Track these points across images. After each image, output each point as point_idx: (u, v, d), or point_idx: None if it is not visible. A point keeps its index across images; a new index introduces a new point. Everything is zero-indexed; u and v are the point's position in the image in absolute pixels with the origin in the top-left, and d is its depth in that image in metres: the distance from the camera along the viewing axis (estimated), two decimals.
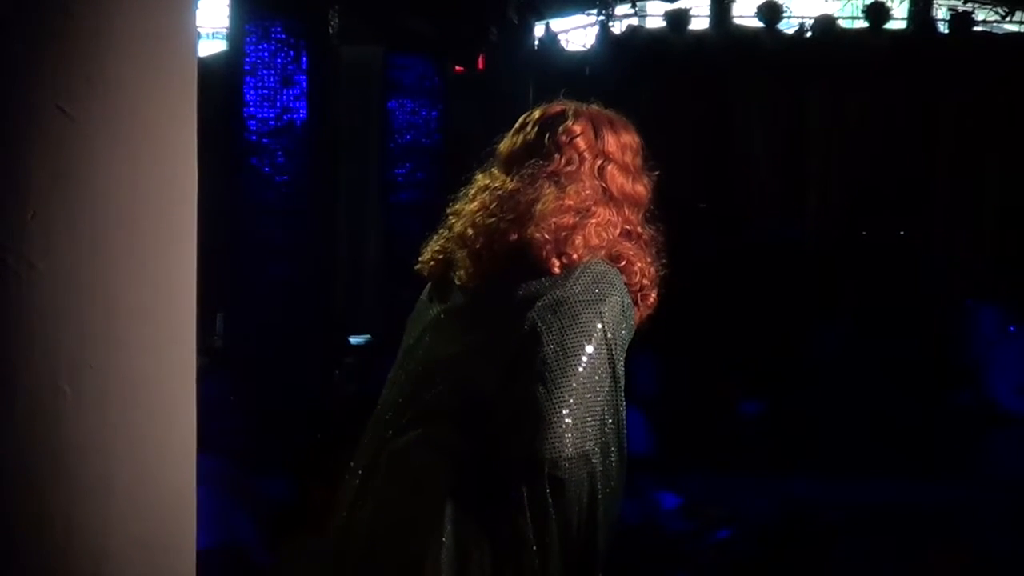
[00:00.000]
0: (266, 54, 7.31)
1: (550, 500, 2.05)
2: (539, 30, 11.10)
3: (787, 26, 10.96)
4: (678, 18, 10.61)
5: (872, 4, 10.49)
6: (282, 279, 7.34)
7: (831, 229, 10.39)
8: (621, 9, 11.71)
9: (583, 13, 11.88)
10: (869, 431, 7.76)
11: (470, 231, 2.24)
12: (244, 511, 4.28)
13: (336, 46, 7.95)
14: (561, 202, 2.19)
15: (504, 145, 2.35)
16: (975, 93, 10.07)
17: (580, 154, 2.27)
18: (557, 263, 2.15)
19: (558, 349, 2.07)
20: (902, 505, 5.84)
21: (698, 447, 7.21)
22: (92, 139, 1.52)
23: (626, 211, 2.28)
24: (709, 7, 10.98)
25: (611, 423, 2.11)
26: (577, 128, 2.29)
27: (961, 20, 10.51)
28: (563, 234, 2.16)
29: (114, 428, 1.56)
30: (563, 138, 2.28)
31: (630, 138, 2.34)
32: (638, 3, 11.67)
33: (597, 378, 2.08)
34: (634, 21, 11.80)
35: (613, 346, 2.11)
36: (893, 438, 7.61)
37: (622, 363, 2.14)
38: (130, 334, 1.56)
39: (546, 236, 2.16)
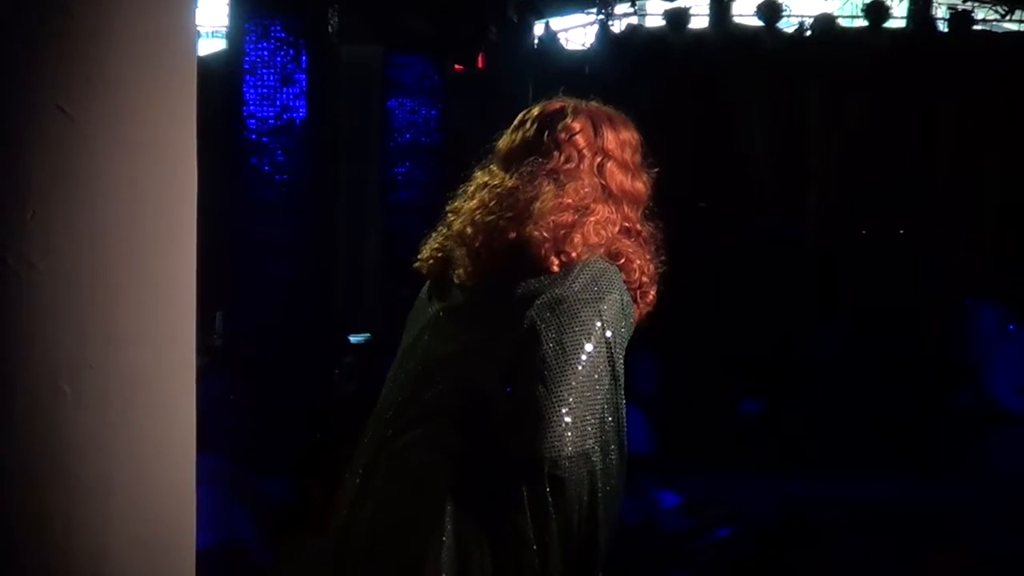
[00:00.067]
0: (266, 53, 7.31)
1: (550, 499, 2.04)
2: (539, 29, 11.11)
3: (787, 25, 10.97)
4: (678, 17, 10.61)
5: (872, 3, 10.49)
6: (282, 278, 7.34)
7: (831, 228, 10.39)
8: (621, 8, 11.72)
9: (583, 12, 11.88)
10: (869, 431, 7.77)
11: (469, 229, 2.24)
12: (244, 511, 4.28)
13: (336, 45, 7.95)
14: (560, 200, 2.19)
15: (503, 142, 2.34)
16: (975, 92, 10.07)
17: (579, 151, 2.27)
18: (556, 261, 2.15)
19: (557, 348, 2.07)
20: (902, 505, 5.84)
21: (698, 446, 7.21)
22: (92, 139, 1.52)
23: (625, 208, 2.27)
24: (709, 6, 10.99)
25: (611, 421, 2.11)
26: (576, 125, 2.29)
27: (961, 19, 10.51)
28: (562, 232, 2.16)
29: (114, 428, 1.56)
30: (562, 135, 2.27)
31: (629, 135, 2.33)
32: (638, 2, 11.68)
33: (597, 376, 2.08)
34: (634, 20, 11.80)
35: (612, 344, 2.11)
36: (893, 438, 7.62)
37: (622, 361, 2.14)
38: (130, 334, 1.56)
39: (545, 234, 2.15)
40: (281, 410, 6.33)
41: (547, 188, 2.20)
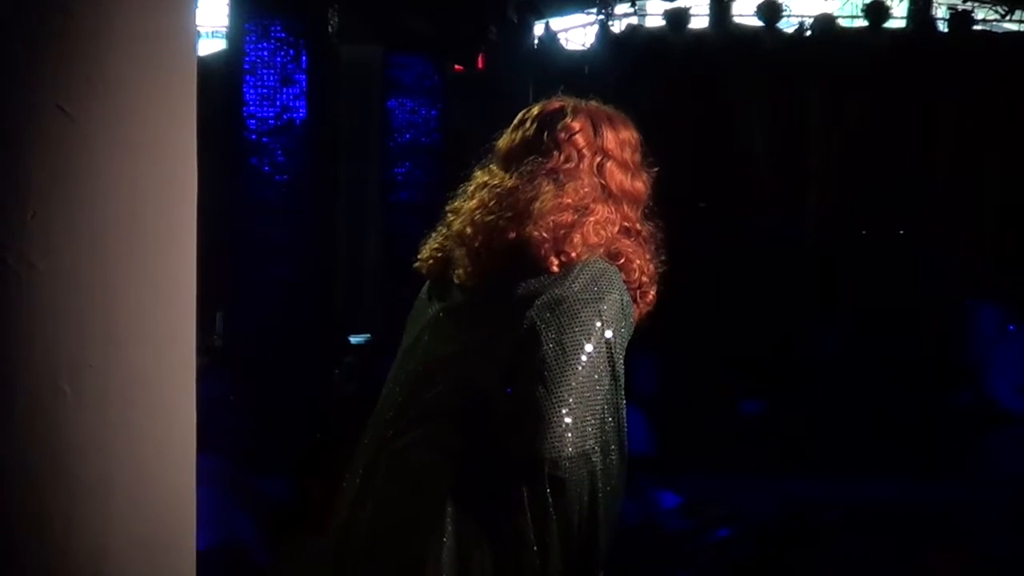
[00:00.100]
0: (266, 53, 7.31)
1: (550, 500, 2.04)
2: (539, 29, 11.11)
3: (787, 25, 10.97)
4: (678, 17, 10.61)
5: (872, 3, 10.49)
6: (282, 279, 7.35)
7: (831, 229, 10.39)
8: (621, 8, 11.72)
9: (583, 12, 11.88)
10: (869, 431, 7.77)
11: (469, 229, 2.24)
12: (244, 511, 4.28)
13: (336, 45, 7.95)
14: (560, 200, 2.19)
15: (503, 142, 2.34)
16: (975, 92, 10.07)
17: (579, 151, 2.26)
18: (556, 261, 2.14)
19: (557, 348, 2.06)
20: (902, 505, 5.84)
21: (698, 446, 7.21)
22: (92, 139, 1.52)
23: (625, 208, 2.27)
24: (709, 6, 10.99)
25: (611, 422, 2.11)
26: (576, 125, 2.28)
27: (961, 19, 10.51)
28: (561, 232, 2.15)
29: (114, 428, 1.56)
30: (562, 135, 2.27)
31: (629, 134, 2.33)
32: (638, 2, 11.67)
33: (597, 377, 2.08)
34: (634, 20, 11.80)
35: (612, 344, 2.11)
36: (893, 438, 7.62)
37: (622, 361, 2.14)
38: (130, 334, 1.56)
39: (544, 234, 2.15)
40: (281, 410, 6.33)
41: (547, 188, 2.20)
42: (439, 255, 2.33)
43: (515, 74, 9.86)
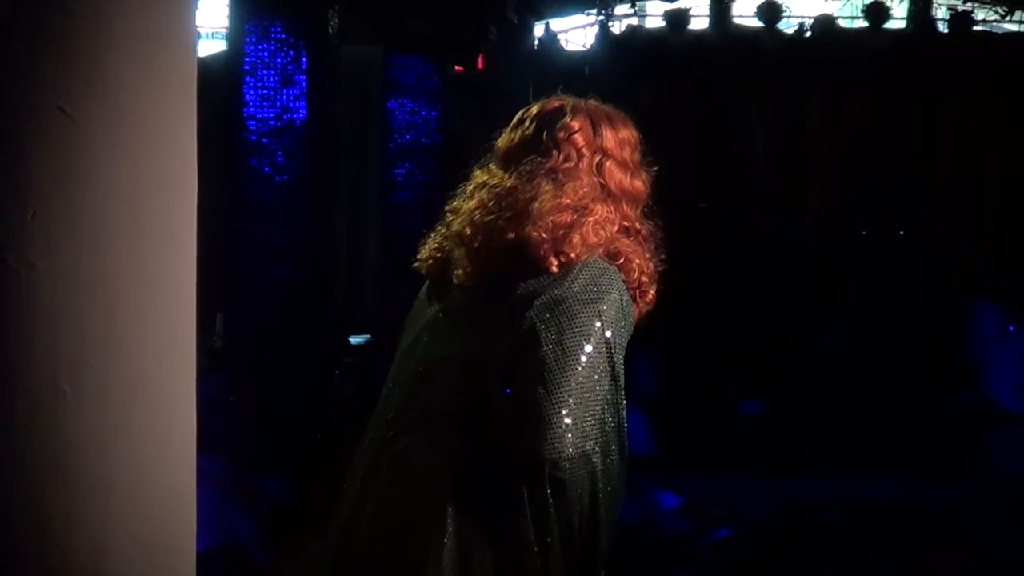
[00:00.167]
0: (266, 54, 7.32)
1: (551, 501, 2.04)
2: (539, 30, 11.10)
3: (787, 26, 10.96)
4: (678, 18, 10.61)
5: (872, 3, 10.48)
6: (282, 279, 7.35)
7: (831, 229, 10.39)
8: (621, 9, 11.71)
9: (583, 13, 11.88)
10: (869, 431, 7.76)
11: (468, 229, 2.24)
12: (244, 511, 4.28)
13: (336, 46, 7.95)
14: (559, 200, 2.19)
15: (502, 141, 2.34)
16: (975, 93, 10.07)
17: (578, 151, 2.26)
18: (555, 262, 2.14)
19: (557, 349, 2.06)
20: (902, 505, 5.83)
21: (698, 447, 7.20)
22: (92, 139, 1.52)
23: (624, 207, 2.27)
24: (709, 7, 10.98)
25: (611, 422, 2.11)
26: (575, 124, 2.28)
27: (961, 20, 10.51)
28: (561, 232, 2.15)
29: (114, 428, 1.56)
30: (561, 134, 2.27)
31: (628, 133, 2.33)
32: (638, 3, 11.67)
33: (596, 377, 2.08)
34: (634, 21, 11.80)
35: (612, 344, 2.11)
36: (893, 438, 7.61)
37: (621, 361, 2.14)
38: (130, 334, 1.56)
39: (543, 235, 2.15)
40: (281, 410, 6.33)
41: (546, 188, 2.20)
42: (438, 255, 2.33)
43: (515, 75, 9.86)
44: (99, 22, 1.51)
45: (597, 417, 2.07)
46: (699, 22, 10.98)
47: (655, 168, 2.36)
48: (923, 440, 7.71)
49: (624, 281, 2.20)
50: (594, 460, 2.06)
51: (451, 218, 2.31)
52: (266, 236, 7.35)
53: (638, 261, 2.24)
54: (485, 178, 2.29)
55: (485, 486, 2.10)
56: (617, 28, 11.29)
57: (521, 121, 2.33)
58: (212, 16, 10.34)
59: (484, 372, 2.14)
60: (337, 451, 3.37)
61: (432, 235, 2.37)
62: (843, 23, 11.36)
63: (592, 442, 2.06)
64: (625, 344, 2.16)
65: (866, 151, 10.24)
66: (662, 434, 6.99)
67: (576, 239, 2.15)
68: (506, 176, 2.25)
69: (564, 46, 11.52)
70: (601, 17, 11.06)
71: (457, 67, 10.08)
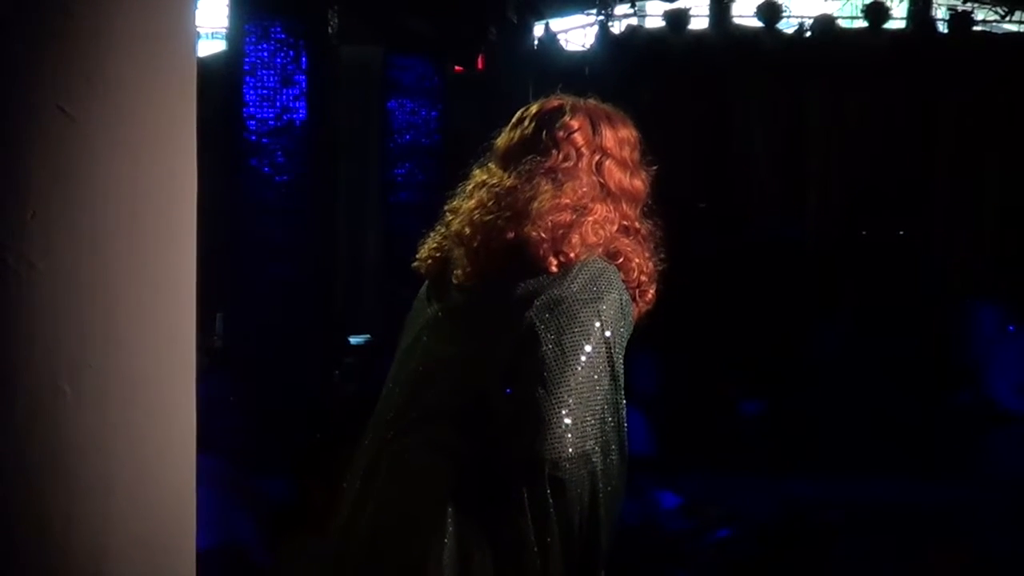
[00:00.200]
0: (266, 54, 7.32)
1: (551, 501, 2.04)
2: (538, 30, 11.10)
3: (787, 26, 10.97)
4: (678, 18, 10.61)
5: (871, 4, 10.49)
6: (282, 279, 7.35)
7: (831, 229, 10.39)
8: (620, 9, 11.71)
9: (582, 13, 11.88)
10: (869, 431, 7.76)
11: (467, 229, 2.23)
12: (244, 511, 4.28)
13: (336, 46, 7.95)
14: (558, 200, 2.18)
15: (501, 140, 2.33)
16: (975, 93, 10.07)
17: (577, 150, 2.26)
18: (555, 261, 2.14)
19: (556, 349, 2.06)
20: (902, 505, 5.83)
21: (698, 447, 7.21)
22: (92, 139, 1.52)
23: (624, 207, 2.26)
24: (708, 7, 10.98)
25: (611, 422, 2.11)
26: (575, 123, 2.28)
27: (961, 20, 10.51)
28: (560, 232, 2.15)
29: (114, 428, 1.56)
30: (560, 134, 2.27)
31: (628, 132, 2.33)
32: (637, 3, 11.67)
33: (596, 377, 2.08)
34: (633, 21, 11.80)
35: (612, 344, 2.11)
36: (893, 438, 7.61)
37: (621, 361, 2.14)
38: (130, 334, 1.56)
39: (543, 234, 2.15)
40: (281, 410, 6.33)
41: (545, 187, 2.20)
42: (438, 255, 2.33)
43: (515, 75, 9.86)
44: (99, 22, 1.51)
45: (597, 417, 2.07)
46: (699, 22, 10.99)
47: (655, 168, 2.36)
48: (923, 440, 7.71)
49: (624, 281, 2.20)
50: (594, 460, 2.06)
51: (450, 218, 2.31)
52: (266, 236, 7.35)
53: (637, 260, 2.24)
54: (484, 178, 2.29)
55: (485, 486, 2.09)
56: (617, 28, 11.29)
57: (520, 120, 2.32)
58: (212, 16, 10.35)
59: (484, 372, 2.13)
60: (337, 451, 3.37)
61: (431, 235, 2.36)
62: (843, 23, 11.36)
63: (592, 442, 2.06)
64: (625, 344, 2.15)
65: (866, 151, 10.25)
66: (662, 434, 6.99)
67: (575, 239, 2.15)
68: (505, 175, 2.25)
69: (564, 46, 11.52)
70: (601, 17, 11.06)
71: (457, 67, 10.08)
